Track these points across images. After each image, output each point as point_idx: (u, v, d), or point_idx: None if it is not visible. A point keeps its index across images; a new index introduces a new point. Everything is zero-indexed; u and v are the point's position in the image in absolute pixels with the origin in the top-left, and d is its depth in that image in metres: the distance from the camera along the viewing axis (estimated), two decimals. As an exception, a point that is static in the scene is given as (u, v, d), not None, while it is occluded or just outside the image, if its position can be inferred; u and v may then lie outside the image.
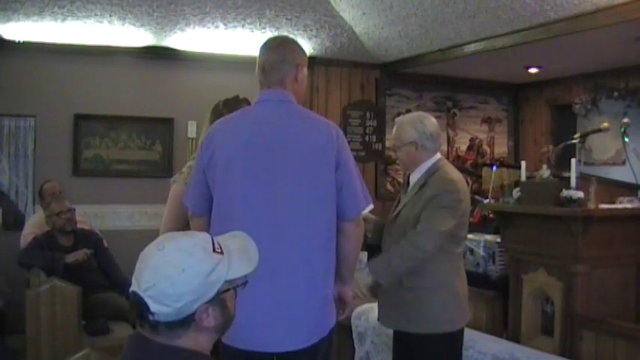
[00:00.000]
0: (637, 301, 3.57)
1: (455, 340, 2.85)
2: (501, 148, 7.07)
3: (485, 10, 4.56)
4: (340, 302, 2.35)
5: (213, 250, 1.31)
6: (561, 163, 3.65)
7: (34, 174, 5.31)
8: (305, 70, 2.34)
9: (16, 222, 5.19)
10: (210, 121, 2.65)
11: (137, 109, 5.61)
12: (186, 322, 1.28)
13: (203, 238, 1.35)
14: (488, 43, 5.00)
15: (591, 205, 3.37)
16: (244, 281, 1.37)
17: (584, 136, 3.72)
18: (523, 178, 3.78)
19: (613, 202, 3.57)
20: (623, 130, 4.00)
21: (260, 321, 2.11)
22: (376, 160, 6.40)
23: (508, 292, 3.79)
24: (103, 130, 5.56)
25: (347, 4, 5.21)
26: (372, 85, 6.39)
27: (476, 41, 5.08)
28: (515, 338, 3.61)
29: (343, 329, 4.01)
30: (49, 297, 3.74)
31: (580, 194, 3.31)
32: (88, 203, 5.27)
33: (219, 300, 1.31)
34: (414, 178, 2.90)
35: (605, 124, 3.79)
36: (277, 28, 5.41)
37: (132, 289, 1.30)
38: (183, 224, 2.46)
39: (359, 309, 4.13)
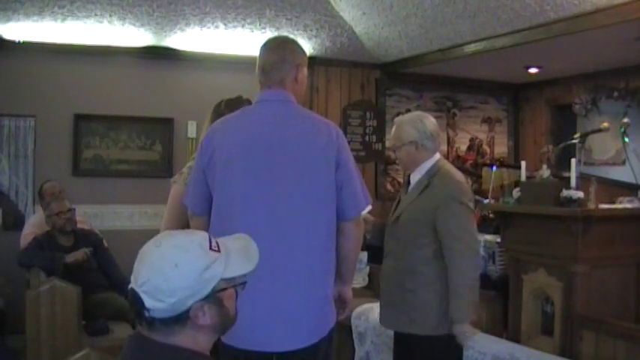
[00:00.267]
0: (637, 301, 3.57)
1: (456, 341, 2.85)
2: (501, 148, 7.07)
3: (485, 10, 4.56)
4: (340, 302, 2.35)
5: (210, 247, 1.31)
6: (561, 163, 3.65)
7: (34, 174, 5.31)
8: (305, 71, 2.34)
9: (16, 222, 5.19)
10: (211, 121, 2.65)
11: (137, 109, 5.61)
12: (181, 318, 1.28)
13: (201, 235, 1.36)
14: (488, 43, 5.00)
15: (591, 205, 3.37)
16: (243, 281, 1.37)
17: (584, 136, 3.72)
18: (523, 178, 3.78)
19: (613, 202, 3.57)
20: (623, 130, 4.00)
21: (260, 321, 2.11)
22: (376, 160, 6.40)
23: (508, 292, 3.79)
24: (103, 130, 5.56)
25: (347, 4, 5.21)
26: (372, 85, 6.39)
27: (476, 41, 5.07)
28: (515, 338, 3.61)
29: (343, 329, 4.01)
30: (49, 297, 3.74)
31: (580, 194, 3.31)
32: (88, 203, 5.27)
33: (215, 298, 1.30)
34: (415, 178, 2.89)
35: (605, 124, 3.79)
36: (277, 28, 5.41)
37: (130, 285, 1.31)
38: (183, 225, 2.46)
39: (359, 309, 4.13)
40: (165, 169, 5.62)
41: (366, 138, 6.35)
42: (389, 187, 6.45)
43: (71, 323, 3.79)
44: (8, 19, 4.93)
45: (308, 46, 5.69)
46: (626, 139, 4.06)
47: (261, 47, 2.31)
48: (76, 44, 5.31)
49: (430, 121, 2.91)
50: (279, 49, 2.28)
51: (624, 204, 3.56)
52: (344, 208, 2.22)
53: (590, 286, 3.40)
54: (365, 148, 6.33)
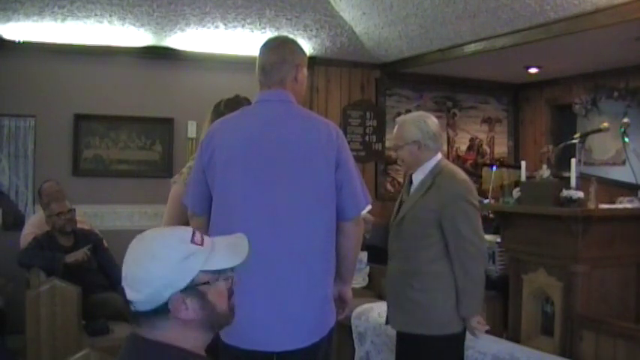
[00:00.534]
0: (637, 301, 3.57)
1: (461, 340, 2.85)
2: (501, 148, 7.06)
3: (486, 10, 4.56)
4: (340, 302, 2.35)
5: (192, 241, 1.31)
6: (561, 163, 3.65)
7: (34, 174, 5.31)
8: (305, 71, 2.34)
9: (16, 222, 5.19)
10: (211, 121, 2.65)
11: (137, 109, 5.61)
12: (161, 311, 1.28)
13: (184, 229, 1.36)
14: (488, 43, 5.00)
15: (591, 205, 3.37)
16: (228, 276, 1.34)
17: (584, 136, 3.73)
18: (523, 178, 3.78)
19: (613, 202, 3.57)
20: (623, 130, 4.00)
21: (260, 320, 2.11)
22: (376, 160, 6.40)
23: (508, 292, 3.80)
24: (103, 130, 5.56)
25: (347, 4, 5.21)
26: (372, 85, 6.39)
27: (476, 41, 5.08)
28: (515, 338, 3.61)
29: (343, 329, 4.01)
30: (49, 297, 3.74)
31: (580, 194, 3.32)
32: (88, 203, 5.26)
33: (196, 292, 1.29)
34: (418, 178, 2.89)
35: (605, 124, 3.79)
36: (277, 28, 5.41)
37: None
38: (183, 224, 2.46)
39: (359, 309, 4.13)
40: (165, 169, 5.62)
41: (366, 138, 6.35)
42: (389, 187, 6.45)
43: (71, 323, 3.78)
44: (8, 19, 4.93)
45: (308, 46, 5.69)
46: (626, 139, 4.06)
47: (261, 47, 2.31)
48: (76, 44, 5.31)
49: (432, 121, 2.92)
50: (279, 49, 2.28)
51: (624, 204, 3.56)
52: (344, 208, 2.22)
53: (590, 286, 3.40)
54: (365, 148, 6.33)
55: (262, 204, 2.14)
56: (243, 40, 5.50)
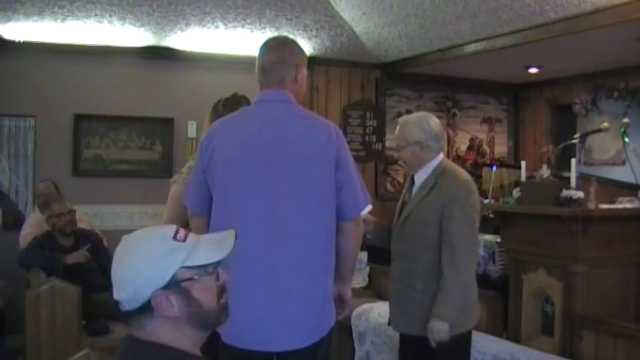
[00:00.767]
0: (637, 301, 3.57)
1: (467, 340, 2.85)
2: (501, 148, 7.06)
3: (486, 10, 4.56)
4: (340, 302, 2.35)
5: (174, 237, 1.31)
6: (561, 163, 3.65)
7: (34, 174, 5.31)
8: (305, 71, 2.33)
9: (16, 222, 5.19)
10: (210, 121, 2.66)
11: (137, 109, 5.61)
12: (145, 309, 1.28)
13: (167, 227, 1.36)
14: (488, 43, 5.00)
15: (591, 205, 3.37)
16: (212, 271, 1.33)
17: (584, 136, 3.72)
18: (523, 178, 3.78)
19: (613, 202, 3.57)
20: (623, 130, 4.00)
21: (260, 320, 2.11)
22: (376, 160, 6.40)
23: (508, 292, 3.79)
24: (103, 130, 5.56)
25: (347, 4, 5.21)
26: (372, 85, 6.39)
27: (476, 41, 5.07)
28: (515, 338, 3.61)
29: (343, 329, 4.01)
30: (49, 297, 3.74)
31: (580, 194, 3.31)
32: (88, 203, 5.26)
33: (180, 288, 1.29)
34: (420, 178, 2.89)
35: (605, 124, 3.79)
36: (277, 28, 5.41)
37: None
38: (183, 224, 2.45)
39: (359, 309, 4.13)
40: (165, 169, 5.62)
41: (366, 138, 6.34)
42: (389, 187, 6.45)
43: (71, 323, 3.78)
44: (8, 19, 4.93)
45: (308, 46, 5.69)
46: (626, 139, 4.06)
47: (261, 47, 2.31)
48: (76, 44, 5.31)
49: (435, 121, 2.92)
50: (278, 49, 2.28)
51: (624, 204, 3.56)
52: (344, 208, 2.22)
53: (590, 286, 3.40)
54: (365, 148, 6.33)
55: (262, 204, 2.14)
56: (243, 40, 5.50)
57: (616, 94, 5.63)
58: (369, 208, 2.36)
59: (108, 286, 4.38)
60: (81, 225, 4.61)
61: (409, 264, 2.83)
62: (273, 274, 2.11)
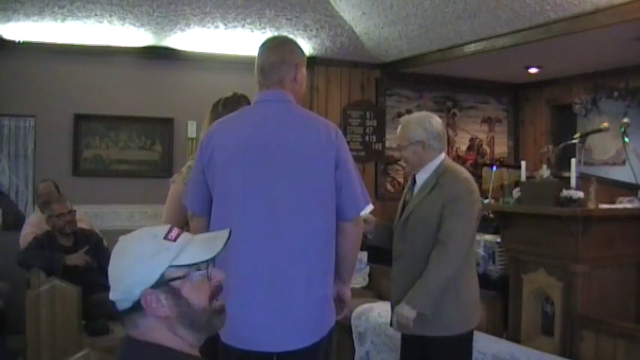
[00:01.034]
0: (637, 301, 3.57)
1: (468, 340, 2.85)
2: (501, 148, 7.06)
3: (486, 10, 4.56)
4: (339, 302, 2.34)
5: (166, 237, 1.31)
6: (561, 163, 3.65)
7: (34, 174, 5.31)
8: (304, 70, 2.33)
9: (16, 222, 5.19)
10: (210, 121, 2.65)
11: (137, 109, 5.61)
12: (136, 308, 1.29)
13: (161, 227, 1.37)
14: (488, 43, 5.00)
15: (591, 205, 3.37)
16: (198, 270, 1.32)
17: (584, 136, 3.72)
18: (523, 178, 3.78)
19: (613, 202, 3.57)
20: (623, 130, 4.00)
21: (260, 320, 2.11)
22: (376, 160, 6.40)
23: (508, 292, 3.79)
24: (103, 130, 5.56)
25: (347, 4, 5.21)
26: (372, 85, 6.39)
27: (476, 41, 5.07)
28: (515, 338, 3.61)
29: (343, 329, 4.01)
30: (49, 297, 3.74)
31: (580, 194, 3.31)
32: (88, 203, 5.26)
33: (168, 287, 1.29)
34: (422, 178, 2.88)
35: (605, 124, 3.79)
36: (277, 28, 5.41)
37: None
38: (182, 224, 2.46)
39: (359, 309, 4.13)
40: (165, 169, 5.62)
41: (366, 138, 6.34)
42: (389, 187, 6.44)
43: (71, 323, 3.78)
44: (8, 19, 4.93)
45: (308, 46, 5.69)
46: (626, 139, 4.06)
47: (260, 47, 2.31)
48: (76, 44, 5.31)
49: (437, 121, 2.92)
50: (277, 49, 2.28)
51: (624, 204, 3.56)
52: (343, 208, 2.21)
53: (590, 286, 3.39)
54: (365, 148, 6.33)
55: (262, 204, 2.14)
56: (243, 40, 5.50)
57: (616, 94, 5.63)
58: (371, 207, 2.36)
59: (108, 286, 4.40)
60: (81, 225, 4.61)
61: (411, 264, 2.83)
62: (273, 274, 2.11)
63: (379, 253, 4.37)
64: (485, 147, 6.98)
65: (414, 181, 2.94)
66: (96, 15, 4.99)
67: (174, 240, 1.31)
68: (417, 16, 5.00)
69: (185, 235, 1.35)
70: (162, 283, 1.28)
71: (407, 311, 2.68)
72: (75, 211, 4.48)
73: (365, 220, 2.46)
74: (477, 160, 6.87)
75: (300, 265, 2.14)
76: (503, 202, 3.89)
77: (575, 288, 3.37)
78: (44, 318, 3.73)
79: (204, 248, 1.33)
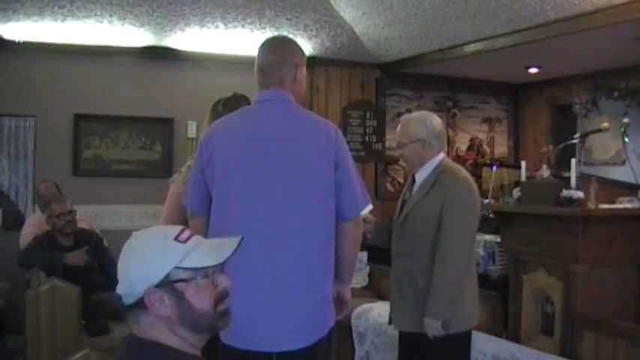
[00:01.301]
0: (637, 301, 3.57)
1: (466, 339, 2.85)
2: (501, 148, 7.06)
3: (486, 10, 4.56)
4: (339, 302, 2.34)
5: (176, 238, 1.31)
6: (561, 163, 3.65)
7: (34, 174, 5.31)
8: (304, 70, 2.33)
9: (16, 222, 5.19)
10: (210, 121, 2.65)
11: (137, 109, 5.61)
12: (139, 305, 1.29)
13: (173, 227, 1.36)
14: (488, 43, 5.00)
15: (591, 205, 3.37)
16: (204, 275, 1.31)
17: (584, 136, 3.72)
18: (523, 178, 3.77)
19: (613, 202, 3.57)
20: (623, 130, 4.00)
21: (259, 321, 2.11)
22: (376, 160, 6.40)
23: (508, 292, 3.79)
24: (103, 130, 5.56)
25: (347, 4, 5.21)
26: (372, 85, 6.39)
27: (476, 41, 5.07)
28: (515, 338, 3.60)
29: (343, 329, 4.01)
30: (49, 297, 3.74)
31: (580, 194, 3.31)
32: (88, 203, 5.26)
33: (172, 288, 1.29)
34: (421, 176, 2.89)
35: (605, 124, 3.79)
36: (277, 28, 5.41)
37: None
38: (181, 224, 2.45)
39: (359, 309, 4.13)
40: (165, 169, 5.62)
41: (366, 138, 6.34)
42: (389, 187, 6.44)
43: (71, 323, 3.78)
44: (8, 19, 4.93)
45: (308, 46, 5.69)
46: (626, 139, 4.06)
47: (260, 47, 2.31)
48: (76, 44, 5.32)
49: (437, 120, 2.94)
50: (277, 49, 2.28)
51: (624, 204, 3.56)
52: (343, 208, 2.21)
53: (590, 286, 3.39)
54: (365, 148, 6.33)
55: (262, 204, 2.14)
56: (243, 40, 5.50)
57: (616, 94, 5.62)
58: (370, 207, 2.36)
59: (108, 286, 4.40)
60: (81, 225, 4.61)
61: (410, 262, 2.84)
62: (273, 274, 2.11)
63: (379, 253, 4.37)
64: (485, 147, 6.98)
65: (414, 180, 2.95)
66: (96, 15, 4.99)
67: (185, 242, 1.31)
68: (417, 16, 5.00)
69: (195, 238, 1.34)
70: (167, 284, 1.29)
71: (432, 322, 2.71)
72: (75, 211, 4.48)
73: (364, 220, 2.46)
74: (477, 160, 6.87)
75: (299, 265, 2.14)
76: (503, 202, 3.89)
77: (575, 288, 3.37)
78: (44, 318, 3.73)
79: (212, 253, 1.33)
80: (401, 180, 6.37)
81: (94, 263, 4.40)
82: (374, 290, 5.04)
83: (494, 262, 4.04)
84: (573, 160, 3.38)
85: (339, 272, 2.29)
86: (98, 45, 5.37)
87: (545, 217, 3.50)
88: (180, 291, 1.29)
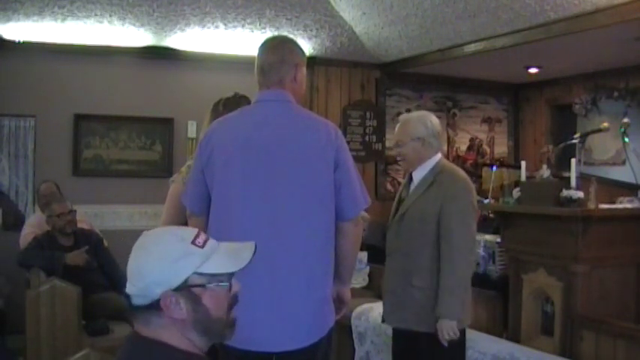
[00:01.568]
0: (637, 301, 3.57)
1: (461, 339, 2.85)
2: (501, 148, 7.06)
3: (486, 10, 4.56)
4: (338, 302, 2.34)
5: (193, 242, 1.30)
6: (561, 163, 3.65)
7: (34, 174, 5.31)
8: (304, 70, 2.33)
9: (16, 222, 5.19)
10: (210, 121, 2.65)
11: (137, 109, 5.61)
12: (153, 307, 1.28)
13: (190, 230, 1.35)
14: (488, 43, 5.00)
15: (591, 205, 3.37)
16: (223, 282, 1.32)
17: (584, 136, 3.72)
18: (523, 178, 3.77)
19: (613, 202, 3.57)
20: (623, 130, 4.00)
21: (259, 321, 2.11)
22: (376, 160, 6.40)
23: (508, 292, 3.79)
24: (103, 130, 5.56)
25: (347, 4, 5.21)
26: (372, 85, 6.39)
27: (476, 41, 5.07)
28: (515, 338, 3.60)
29: (343, 329, 4.01)
30: (49, 297, 3.74)
31: (580, 194, 3.31)
32: (88, 203, 5.26)
33: (189, 292, 1.28)
34: (419, 175, 2.90)
35: (605, 124, 3.79)
36: (277, 28, 5.41)
37: None
38: (181, 224, 2.45)
39: (359, 309, 4.13)
40: (165, 169, 5.62)
41: (366, 138, 6.34)
42: (389, 187, 6.45)
43: (71, 323, 3.79)
44: (8, 19, 4.93)
45: (308, 46, 5.69)
46: (626, 139, 4.05)
47: (260, 47, 2.31)
48: (76, 44, 5.31)
49: (435, 120, 2.97)
50: (277, 49, 2.28)
51: (624, 204, 3.56)
52: (343, 208, 2.21)
53: (590, 286, 3.40)
54: (365, 148, 6.33)
55: (261, 204, 2.14)
56: (243, 40, 5.50)
57: (616, 94, 5.62)
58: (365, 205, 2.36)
59: (108, 286, 4.41)
60: (81, 225, 4.61)
61: (405, 260, 2.85)
62: (273, 274, 2.11)
63: (379, 253, 4.37)
64: (485, 147, 6.98)
65: (411, 179, 2.96)
66: (96, 15, 4.99)
67: (202, 246, 1.30)
68: (417, 16, 5.00)
69: (211, 242, 1.33)
70: (184, 288, 1.28)
71: (448, 324, 2.70)
72: (75, 210, 4.48)
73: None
74: (477, 160, 6.87)
75: (299, 265, 2.14)
76: (503, 202, 3.89)
77: (575, 288, 3.37)
78: (44, 318, 3.73)
79: (231, 259, 1.33)
80: (401, 180, 6.36)
81: (94, 263, 4.40)
82: (374, 290, 5.03)
83: (494, 262, 4.04)
84: (573, 160, 3.38)
85: (339, 272, 2.29)
86: (98, 45, 5.37)
87: (545, 217, 3.50)
88: (198, 295, 1.29)
